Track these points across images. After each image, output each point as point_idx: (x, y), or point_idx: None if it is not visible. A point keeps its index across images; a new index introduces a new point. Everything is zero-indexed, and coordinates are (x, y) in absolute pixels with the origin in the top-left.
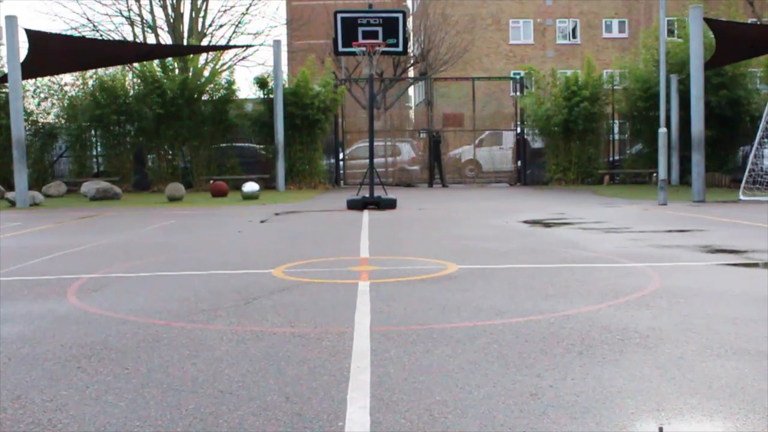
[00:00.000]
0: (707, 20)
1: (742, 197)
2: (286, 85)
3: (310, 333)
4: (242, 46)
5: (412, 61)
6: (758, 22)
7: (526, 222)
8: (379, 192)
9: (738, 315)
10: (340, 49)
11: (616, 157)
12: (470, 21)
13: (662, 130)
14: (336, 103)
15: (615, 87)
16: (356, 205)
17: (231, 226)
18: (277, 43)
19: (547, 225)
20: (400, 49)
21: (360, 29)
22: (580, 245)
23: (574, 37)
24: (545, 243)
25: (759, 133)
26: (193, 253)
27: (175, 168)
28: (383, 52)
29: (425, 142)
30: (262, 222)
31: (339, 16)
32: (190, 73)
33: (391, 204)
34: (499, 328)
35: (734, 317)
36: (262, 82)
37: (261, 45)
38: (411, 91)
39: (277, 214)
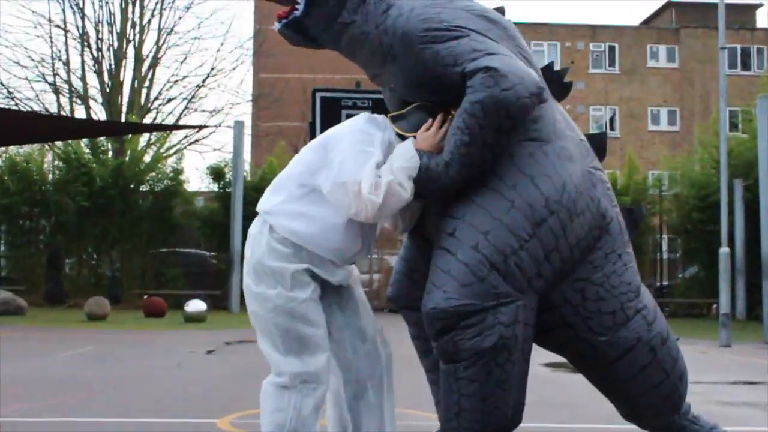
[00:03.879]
0: None
1: None
2: (248, 178)
3: None
4: (195, 127)
5: None
6: None
7: (546, 365)
8: None
9: None
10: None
11: (665, 282)
12: None
13: (724, 249)
14: None
15: (663, 193)
16: None
17: (167, 356)
18: (239, 124)
19: (573, 370)
20: None
21: (344, 112)
22: None
23: (612, 128)
24: (569, 395)
25: None
26: (114, 392)
27: (99, 277)
28: None
29: None
30: (208, 353)
31: (318, 95)
32: (127, 158)
33: None
34: None
35: None
36: (217, 173)
37: (219, 126)
38: None
39: (227, 344)
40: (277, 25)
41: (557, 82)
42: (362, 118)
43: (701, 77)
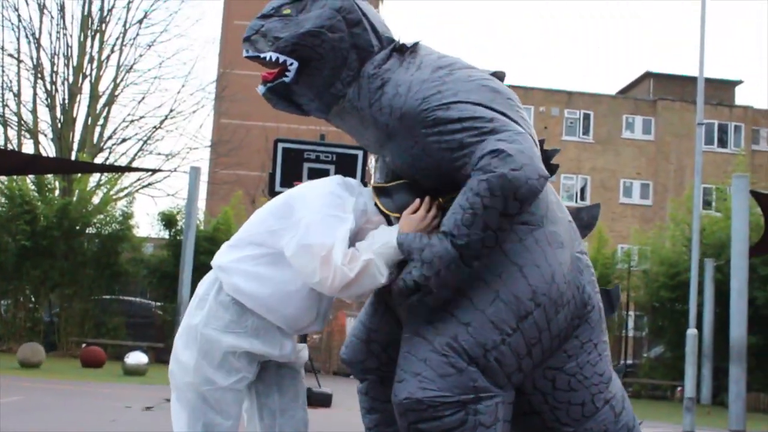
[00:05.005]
0: (755, 193)
1: None
2: (202, 227)
3: None
4: (149, 170)
5: None
6: None
7: None
8: (310, 381)
9: None
10: (278, 188)
11: (629, 361)
12: None
13: (692, 330)
14: None
15: (632, 268)
16: None
17: (101, 411)
18: (195, 170)
19: None
20: None
21: (306, 165)
22: None
23: (582, 198)
24: None
25: None
26: None
27: (36, 322)
28: None
29: None
30: (145, 409)
31: (280, 145)
32: (75, 198)
33: (323, 401)
34: None
35: None
36: (169, 220)
37: (174, 170)
38: None
39: (167, 400)
40: (261, 88)
41: (545, 162)
42: (334, 180)
43: (677, 151)
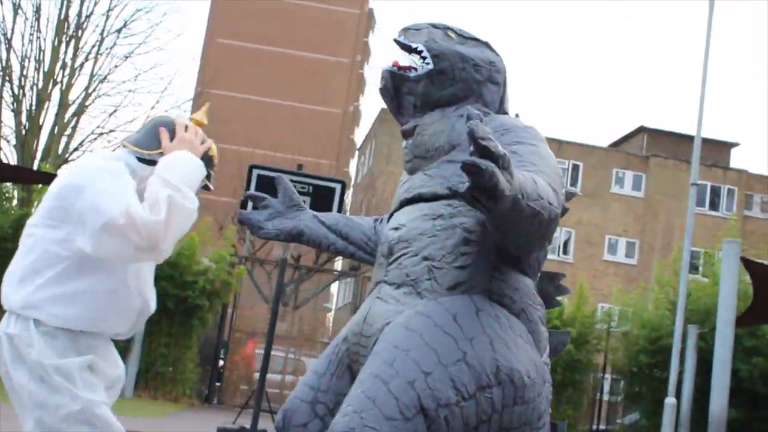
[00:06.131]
0: (745, 260)
1: None
2: None
3: None
4: None
5: None
6: None
7: None
8: (266, 423)
9: None
10: None
11: (602, 426)
12: None
13: (670, 399)
14: (228, 288)
15: (612, 329)
16: None
17: None
18: None
19: None
20: None
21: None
22: None
23: (565, 252)
24: None
25: None
26: None
27: None
28: None
29: None
30: None
31: (255, 171)
32: (33, 209)
33: None
34: None
35: None
36: None
37: None
38: (334, 288)
39: None
40: (387, 67)
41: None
42: (93, 157)
43: (666, 211)
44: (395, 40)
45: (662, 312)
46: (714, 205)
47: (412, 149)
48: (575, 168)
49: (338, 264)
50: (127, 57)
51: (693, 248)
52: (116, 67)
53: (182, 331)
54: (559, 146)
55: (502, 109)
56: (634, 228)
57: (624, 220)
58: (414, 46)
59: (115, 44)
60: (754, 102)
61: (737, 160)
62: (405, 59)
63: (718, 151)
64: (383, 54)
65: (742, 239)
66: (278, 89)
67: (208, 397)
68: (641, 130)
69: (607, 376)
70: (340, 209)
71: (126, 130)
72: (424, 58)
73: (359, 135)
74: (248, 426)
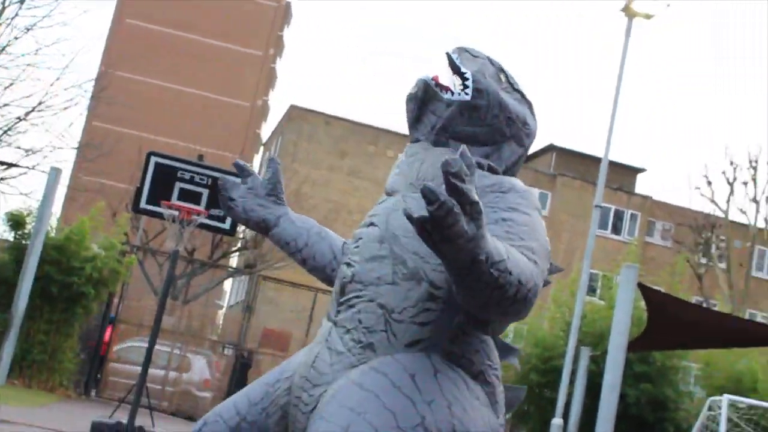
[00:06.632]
0: (642, 287)
1: None
2: (52, 233)
3: None
4: (3, 163)
5: (238, 245)
6: (704, 303)
7: None
8: (144, 419)
9: None
10: (143, 204)
11: None
12: (333, 210)
13: (557, 420)
14: (117, 278)
15: None
16: None
17: None
18: (55, 171)
19: None
20: (227, 226)
21: (178, 185)
22: None
23: None
24: None
25: None
26: None
27: None
28: (202, 225)
29: (229, 362)
30: None
31: (153, 158)
32: None
33: None
34: None
35: None
36: (17, 221)
37: (32, 168)
38: (227, 285)
39: None
40: (425, 78)
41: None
42: None
43: (570, 231)
44: (447, 54)
45: (556, 332)
46: (616, 229)
47: (404, 168)
48: None
49: (233, 261)
50: (28, 29)
51: (592, 270)
52: (16, 38)
53: (64, 319)
54: None
55: (511, 172)
56: None
57: None
58: (463, 70)
59: (17, 14)
60: (663, 129)
61: (643, 185)
62: (446, 78)
63: (624, 175)
64: (297, 49)
65: (642, 265)
66: (186, 77)
67: (86, 389)
68: (551, 148)
69: None
70: None
71: (22, 105)
72: (466, 86)
73: (266, 130)
74: (125, 421)
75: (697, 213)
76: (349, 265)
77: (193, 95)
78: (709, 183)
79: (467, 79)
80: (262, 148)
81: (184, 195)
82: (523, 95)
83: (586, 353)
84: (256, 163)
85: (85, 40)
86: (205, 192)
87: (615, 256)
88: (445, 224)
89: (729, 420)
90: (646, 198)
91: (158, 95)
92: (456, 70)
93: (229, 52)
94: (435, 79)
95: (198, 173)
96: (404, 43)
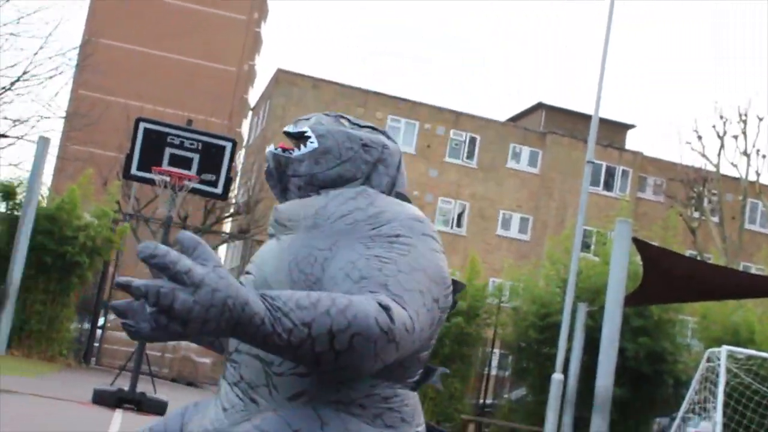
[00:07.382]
0: (636, 241)
1: None
2: (43, 204)
3: None
4: None
5: (231, 211)
6: (698, 257)
7: None
8: (145, 386)
9: None
10: (134, 171)
11: (489, 401)
12: None
13: (557, 375)
14: (110, 246)
15: (502, 304)
16: (106, 401)
17: None
18: (43, 141)
19: None
20: (219, 191)
21: (168, 150)
22: None
23: (458, 225)
24: None
25: (684, 405)
26: None
27: None
28: (193, 190)
29: None
30: None
31: (142, 125)
32: None
33: (157, 407)
34: None
35: None
36: (8, 191)
37: (20, 138)
38: (222, 251)
39: None
40: (271, 149)
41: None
42: None
43: (561, 188)
44: (284, 132)
45: (552, 289)
46: (608, 186)
47: (275, 213)
48: (472, 141)
49: (227, 226)
50: None
51: (586, 227)
52: None
53: (60, 288)
54: (457, 118)
55: (394, 193)
56: (528, 204)
57: (518, 195)
58: (301, 130)
59: None
60: (652, 85)
61: (633, 142)
62: (292, 144)
63: (614, 132)
64: (281, 14)
65: (634, 220)
66: (171, 43)
67: (86, 358)
68: (540, 106)
69: (496, 351)
70: (230, 168)
71: (6, 75)
72: (308, 137)
73: (253, 95)
74: (127, 389)
75: (688, 168)
76: None
77: (178, 61)
78: (700, 137)
79: (306, 132)
80: (250, 113)
81: (175, 160)
82: (371, 127)
83: (583, 309)
84: (245, 129)
85: (68, 7)
86: (196, 157)
87: (608, 213)
88: (164, 307)
89: (728, 371)
90: (636, 154)
91: (144, 62)
92: (295, 135)
93: (213, 16)
94: (281, 146)
95: (188, 138)
96: (404, 43)
